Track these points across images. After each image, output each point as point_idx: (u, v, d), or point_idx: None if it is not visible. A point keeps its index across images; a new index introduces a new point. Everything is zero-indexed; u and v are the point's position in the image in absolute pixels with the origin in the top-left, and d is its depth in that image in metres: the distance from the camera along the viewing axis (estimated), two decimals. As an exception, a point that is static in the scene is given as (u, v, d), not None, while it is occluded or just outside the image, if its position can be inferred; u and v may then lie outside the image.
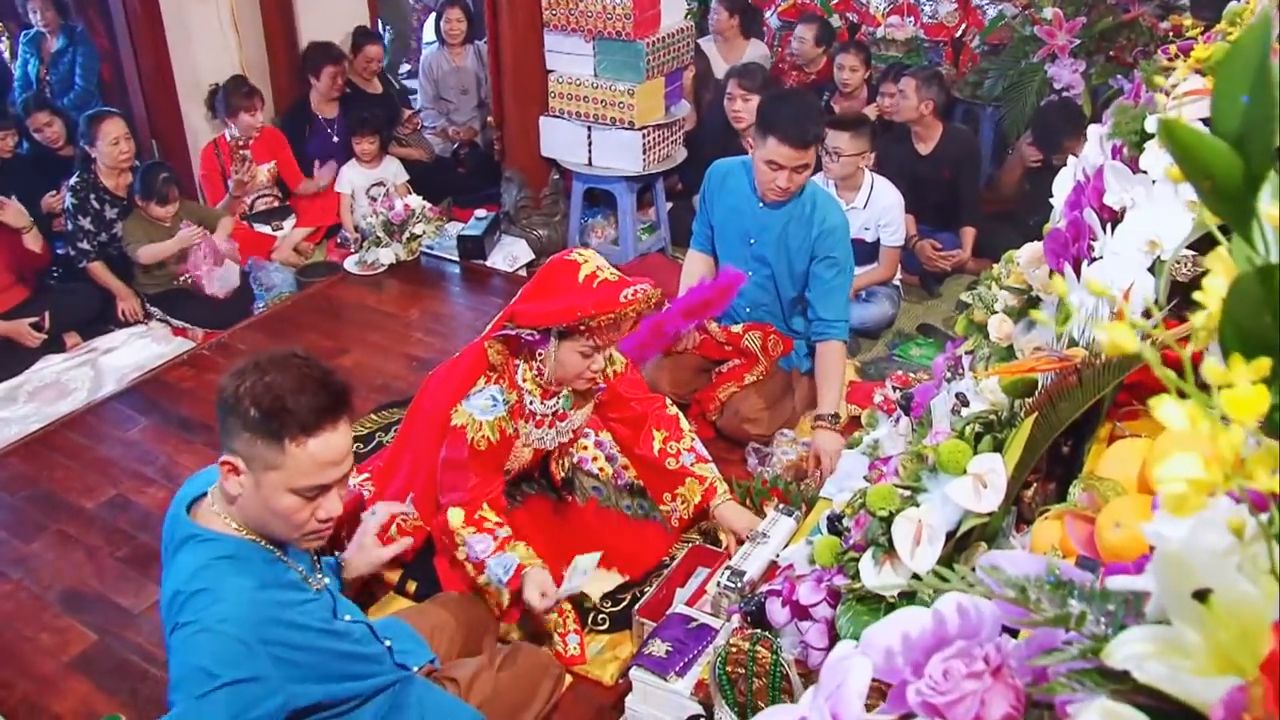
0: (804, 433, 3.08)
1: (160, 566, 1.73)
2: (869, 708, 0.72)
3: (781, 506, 2.51)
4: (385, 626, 2.02)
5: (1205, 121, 0.70)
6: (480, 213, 4.83)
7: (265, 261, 4.58)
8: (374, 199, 4.83)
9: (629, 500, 2.75)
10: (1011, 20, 5.10)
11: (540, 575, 2.26)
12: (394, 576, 2.54)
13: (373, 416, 3.34)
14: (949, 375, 1.72)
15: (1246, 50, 0.59)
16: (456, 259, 4.59)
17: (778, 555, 2.21)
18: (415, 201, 4.59)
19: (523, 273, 4.54)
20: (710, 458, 2.64)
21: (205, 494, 1.69)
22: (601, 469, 2.83)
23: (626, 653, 2.36)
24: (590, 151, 4.54)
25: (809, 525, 2.36)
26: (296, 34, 5.23)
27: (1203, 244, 1.27)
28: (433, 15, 6.68)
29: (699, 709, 1.93)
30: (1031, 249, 1.63)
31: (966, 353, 1.75)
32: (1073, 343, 1.31)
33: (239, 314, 4.22)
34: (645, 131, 4.41)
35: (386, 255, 4.51)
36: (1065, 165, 1.67)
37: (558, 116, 4.55)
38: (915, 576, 1.25)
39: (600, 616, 2.49)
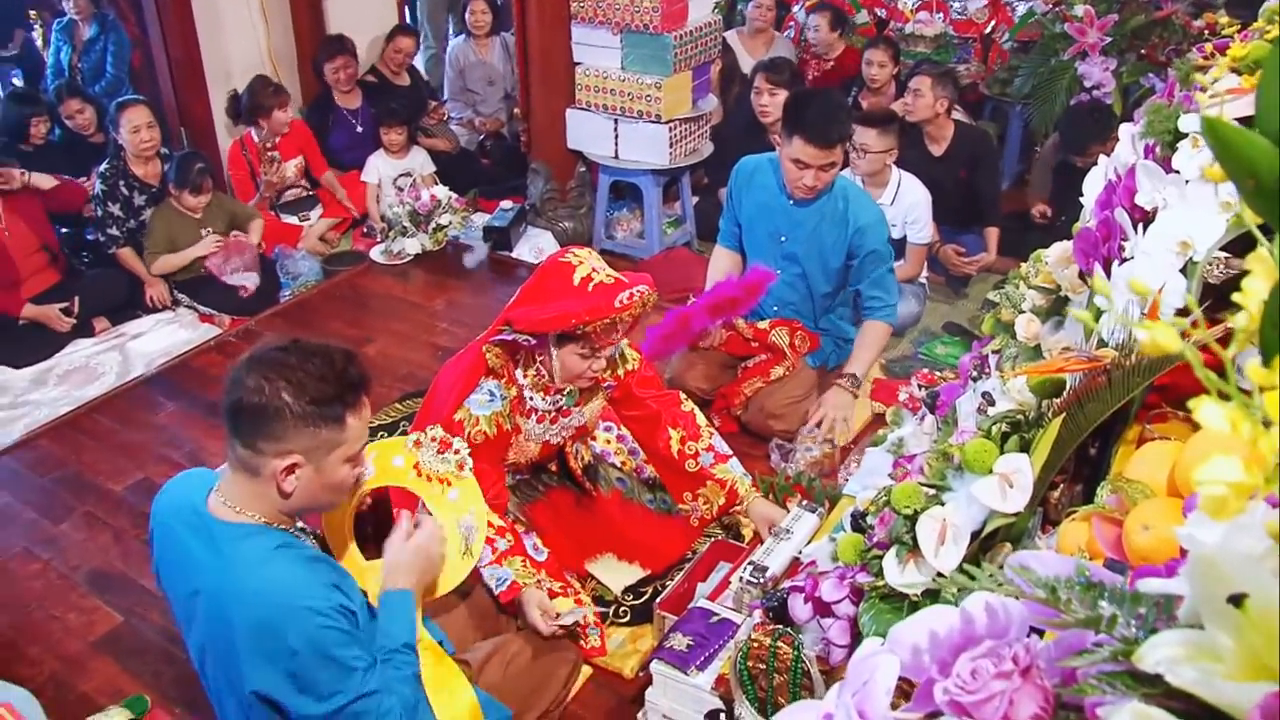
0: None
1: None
2: (891, 706, 0.72)
3: (805, 503, 2.50)
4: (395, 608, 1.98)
5: (1243, 121, 0.69)
6: (506, 204, 4.85)
7: (292, 250, 4.60)
8: (400, 189, 4.86)
9: (651, 495, 2.75)
10: (1042, 17, 5.04)
11: (538, 595, 2.25)
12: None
13: (397, 405, 3.33)
14: (975, 374, 1.71)
15: (1291, 50, 0.58)
16: (483, 248, 4.63)
17: (800, 551, 2.21)
18: (441, 192, 4.62)
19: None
20: (730, 453, 2.61)
21: (207, 494, 1.69)
22: (624, 462, 2.82)
23: (647, 646, 2.37)
24: (617, 144, 4.55)
25: (832, 522, 2.35)
26: (324, 24, 5.26)
27: (1234, 245, 1.25)
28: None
29: (719, 703, 1.93)
30: (1060, 248, 1.61)
31: (993, 352, 1.74)
32: (1102, 343, 1.30)
33: (265, 302, 4.26)
34: (672, 125, 4.41)
35: (413, 245, 4.54)
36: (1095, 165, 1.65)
37: (584, 109, 4.56)
38: (939, 575, 1.25)
39: (621, 609, 2.50)
